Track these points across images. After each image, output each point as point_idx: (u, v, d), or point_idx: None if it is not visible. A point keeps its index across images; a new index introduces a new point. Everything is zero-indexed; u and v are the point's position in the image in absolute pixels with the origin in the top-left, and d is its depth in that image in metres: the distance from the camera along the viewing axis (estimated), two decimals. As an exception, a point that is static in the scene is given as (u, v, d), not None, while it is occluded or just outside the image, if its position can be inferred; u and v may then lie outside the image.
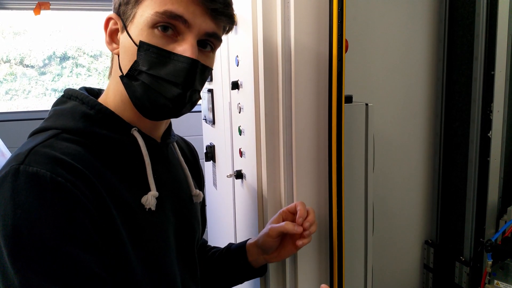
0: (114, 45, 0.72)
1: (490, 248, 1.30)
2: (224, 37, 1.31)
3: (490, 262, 1.32)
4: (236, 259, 0.97)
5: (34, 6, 2.44)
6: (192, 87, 0.68)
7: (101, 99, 0.74)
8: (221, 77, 1.39)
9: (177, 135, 0.97)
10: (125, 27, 0.68)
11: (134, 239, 0.66)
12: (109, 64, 0.77)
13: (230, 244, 1.02)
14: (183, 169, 0.85)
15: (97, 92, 0.78)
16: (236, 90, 1.21)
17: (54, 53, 2.93)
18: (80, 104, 0.70)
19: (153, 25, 0.65)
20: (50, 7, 2.47)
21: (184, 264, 0.81)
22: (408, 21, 1.50)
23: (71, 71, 3.01)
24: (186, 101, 0.69)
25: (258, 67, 1.04)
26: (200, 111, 1.79)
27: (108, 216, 0.62)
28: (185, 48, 0.66)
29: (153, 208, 0.69)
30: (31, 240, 0.55)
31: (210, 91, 1.56)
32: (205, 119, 1.70)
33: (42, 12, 2.47)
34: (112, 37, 0.72)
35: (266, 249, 0.94)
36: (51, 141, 0.63)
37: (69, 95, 0.72)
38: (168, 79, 0.66)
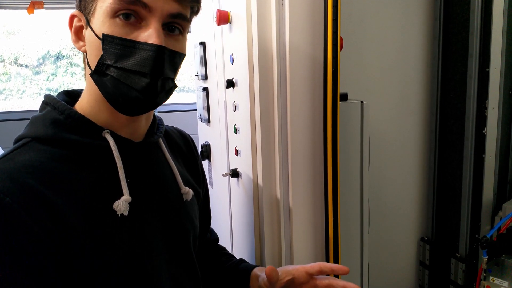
0: (81, 43, 0.69)
1: (486, 245, 1.31)
2: (218, 35, 1.32)
3: (485, 259, 1.32)
4: (237, 280, 0.95)
5: (28, 5, 2.43)
6: (162, 75, 0.66)
7: (78, 102, 0.73)
8: (216, 75, 1.39)
9: (173, 127, 0.94)
10: (87, 22, 0.67)
11: (104, 246, 0.64)
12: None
13: (240, 261, 0.99)
14: (170, 167, 0.82)
15: (76, 95, 0.76)
16: (231, 88, 1.21)
17: (48, 52, 2.91)
18: (52, 110, 0.68)
19: (114, 15, 0.63)
20: (44, 6, 2.46)
21: (179, 266, 0.79)
22: (403, 18, 1.51)
23: (66, 70, 3.00)
24: (158, 90, 0.66)
25: (253, 65, 1.04)
26: (195, 110, 1.79)
27: (66, 230, 0.60)
28: (149, 34, 0.64)
29: (125, 214, 0.67)
30: None
31: (205, 89, 1.55)
32: (201, 118, 1.70)
33: (36, 11, 2.45)
34: (78, 34, 0.70)
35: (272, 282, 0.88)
36: (14, 153, 0.63)
37: (45, 102, 0.71)
38: (134, 69, 0.64)
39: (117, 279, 0.65)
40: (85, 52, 0.69)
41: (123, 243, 0.67)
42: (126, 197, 0.68)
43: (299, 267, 0.89)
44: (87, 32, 0.67)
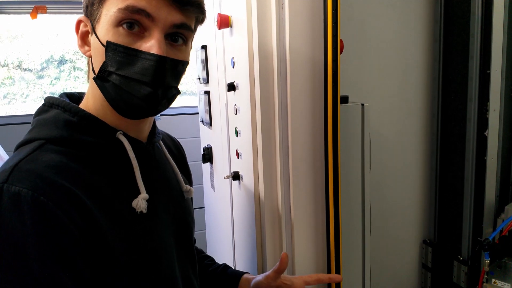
0: (86, 48, 0.71)
1: (488, 247, 1.30)
2: (220, 39, 1.33)
3: (487, 261, 1.32)
4: (226, 283, 1.00)
5: (31, 10, 2.45)
6: (163, 84, 0.67)
7: (82, 105, 0.73)
8: (217, 78, 1.39)
9: (162, 132, 0.95)
10: (93, 28, 0.68)
11: (127, 245, 0.66)
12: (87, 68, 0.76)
13: (227, 266, 1.04)
14: (171, 167, 0.85)
15: (78, 97, 0.77)
16: (232, 91, 1.21)
17: (52, 56, 2.93)
18: (62, 112, 0.69)
19: (118, 23, 0.64)
20: (47, 11, 2.47)
21: (184, 261, 0.83)
22: (404, 21, 1.51)
23: (69, 75, 3.01)
24: (160, 99, 0.67)
25: (254, 68, 1.05)
26: (197, 113, 1.80)
27: (94, 229, 0.61)
28: (151, 44, 0.64)
29: (144, 211, 0.69)
30: (11, 261, 0.54)
31: (207, 93, 1.56)
32: (202, 121, 1.71)
33: (39, 16, 2.47)
34: (84, 39, 0.71)
35: None
36: (34, 154, 0.62)
37: (50, 103, 0.71)
38: (136, 78, 0.65)
39: (139, 275, 0.67)
40: (90, 56, 0.70)
41: (144, 240, 0.69)
42: (144, 195, 0.69)
43: (298, 276, 1.00)
44: (92, 38, 0.69)
